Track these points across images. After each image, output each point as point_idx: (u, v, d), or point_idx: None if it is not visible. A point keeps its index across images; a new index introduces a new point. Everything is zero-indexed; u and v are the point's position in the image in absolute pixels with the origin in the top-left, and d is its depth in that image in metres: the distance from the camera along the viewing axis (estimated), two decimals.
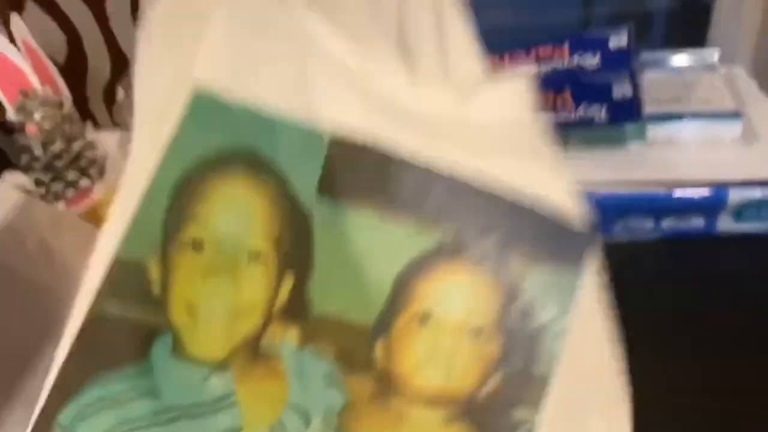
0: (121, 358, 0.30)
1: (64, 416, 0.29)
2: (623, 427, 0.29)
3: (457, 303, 0.30)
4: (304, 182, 0.32)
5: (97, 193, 0.56)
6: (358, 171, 0.32)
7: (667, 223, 0.52)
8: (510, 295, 0.30)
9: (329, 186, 0.32)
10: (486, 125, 0.32)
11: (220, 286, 0.31)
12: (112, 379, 0.30)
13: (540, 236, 0.30)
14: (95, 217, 0.53)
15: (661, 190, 0.50)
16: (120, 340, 0.31)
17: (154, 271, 0.31)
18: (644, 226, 0.52)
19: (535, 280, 0.30)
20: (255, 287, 0.31)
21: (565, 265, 0.30)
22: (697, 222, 0.51)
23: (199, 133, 0.32)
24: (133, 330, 0.31)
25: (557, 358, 0.28)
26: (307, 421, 0.30)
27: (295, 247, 0.31)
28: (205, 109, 0.32)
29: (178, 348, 0.30)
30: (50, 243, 0.45)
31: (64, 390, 0.30)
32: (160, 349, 0.30)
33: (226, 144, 0.32)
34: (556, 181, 0.31)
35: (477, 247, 0.30)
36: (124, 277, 0.31)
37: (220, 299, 0.31)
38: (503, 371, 0.29)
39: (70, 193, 0.55)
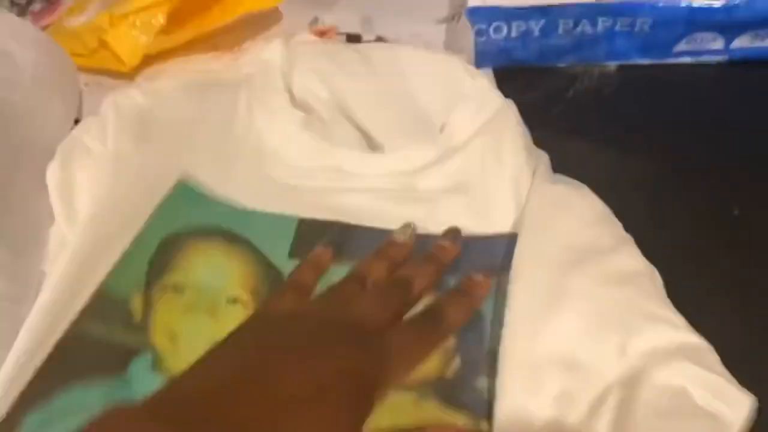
0: (97, 370, 0.32)
1: (31, 420, 0.30)
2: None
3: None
4: (276, 251, 0.38)
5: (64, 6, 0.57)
6: (321, 240, 0.38)
7: (740, 43, 0.49)
8: None
9: (299, 251, 0.38)
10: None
11: (200, 321, 0.35)
12: (85, 388, 0.31)
13: (473, 256, 0.37)
14: (60, 31, 0.55)
15: None
16: (98, 354, 0.33)
17: (136, 304, 0.35)
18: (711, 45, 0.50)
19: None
20: (233, 324, 0.32)
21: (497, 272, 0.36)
22: None
23: (182, 210, 0.39)
24: (112, 348, 0.33)
25: (499, 333, 0.33)
26: None
27: (271, 293, 0.36)
28: (187, 193, 0.40)
29: (158, 366, 0.33)
30: (11, 53, 0.45)
31: (33, 393, 0.31)
32: (139, 367, 0.33)
33: (206, 222, 0.39)
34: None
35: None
36: (107, 305, 0.34)
37: (200, 331, 0.34)
38: (460, 355, 0.34)
39: (38, 6, 0.56)
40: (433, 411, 0.32)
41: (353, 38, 0.52)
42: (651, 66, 0.50)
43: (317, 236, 0.39)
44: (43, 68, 0.47)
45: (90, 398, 0.31)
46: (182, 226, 0.39)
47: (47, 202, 0.41)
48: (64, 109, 0.48)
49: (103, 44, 0.55)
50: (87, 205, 0.39)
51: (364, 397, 0.27)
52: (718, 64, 0.51)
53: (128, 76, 0.56)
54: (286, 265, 0.38)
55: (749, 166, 0.41)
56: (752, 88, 0.49)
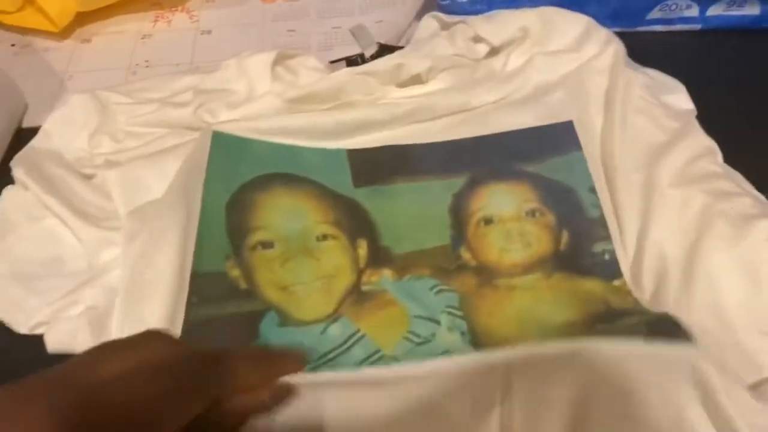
0: (233, 344, 0.32)
1: None
2: None
3: (505, 202, 0.37)
4: (339, 183, 0.38)
5: None
6: (379, 164, 0.39)
7: (715, 10, 0.47)
8: (538, 181, 0.38)
9: (360, 180, 0.38)
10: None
11: (302, 266, 0.35)
12: None
13: (536, 145, 0.39)
14: None
15: None
16: (224, 334, 0.32)
17: (234, 273, 0.34)
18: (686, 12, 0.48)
19: (546, 166, 0.38)
20: (334, 257, 0.35)
21: (563, 151, 0.38)
22: (752, 9, 0.46)
23: (229, 164, 0.38)
24: (232, 321, 0.33)
25: (597, 199, 0.36)
26: (435, 322, 0.33)
27: (355, 222, 0.37)
28: (227, 146, 0.38)
29: (284, 320, 0.33)
30: None
31: None
32: (267, 327, 0.33)
33: (260, 172, 0.38)
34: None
35: (494, 171, 0.38)
36: (206, 286, 0.34)
37: (306, 274, 0.34)
38: (567, 228, 0.36)
39: None
40: (563, 282, 0.34)
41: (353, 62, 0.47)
42: (622, 34, 0.47)
43: (372, 162, 0.39)
44: None
45: None
46: (239, 184, 0.37)
47: None
48: None
49: (30, 0, 0.50)
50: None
51: None
52: (692, 33, 0.48)
53: (60, 36, 0.52)
54: (356, 194, 0.38)
55: (721, 137, 0.39)
56: (727, 58, 0.47)
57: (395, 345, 0.32)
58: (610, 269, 0.34)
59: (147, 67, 0.49)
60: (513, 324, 0.32)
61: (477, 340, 0.32)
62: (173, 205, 0.36)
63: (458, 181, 0.38)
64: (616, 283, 0.33)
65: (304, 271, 0.35)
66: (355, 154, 0.40)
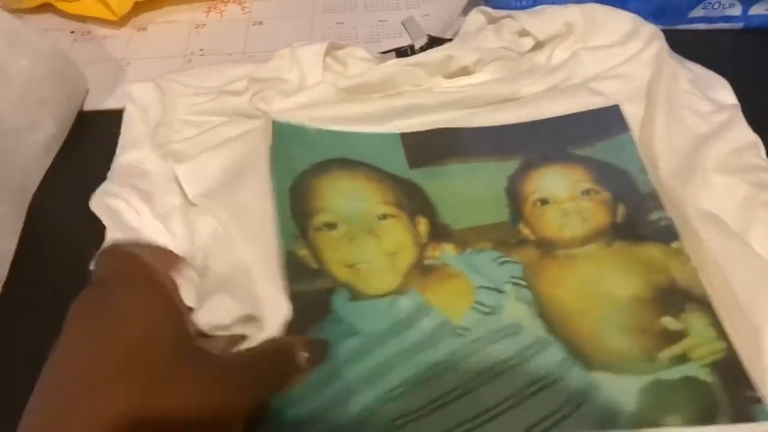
0: (307, 320, 0.33)
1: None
2: None
3: (559, 184, 0.38)
4: (394, 165, 0.39)
5: None
6: (433, 146, 0.40)
7: (758, 9, 0.48)
8: (590, 164, 0.39)
9: (415, 161, 0.40)
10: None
11: (365, 244, 0.36)
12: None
13: (585, 129, 0.40)
14: None
15: None
16: (300, 308, 0.33)
17: (304, 254, 0.36)
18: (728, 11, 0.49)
19: (598, 148, 0.39)
20: (396, 234, 0.36)
21: (611, 134, 0.40)
22: None
23: (289, 151, 0.39)
24: (308, 297, 0.34)
25: (647, 178, 0.38)
26: (500, 292, 0.34)
27: (413, 201, 0.38)
28: (285, 133, 0.40)
29: (354, 295, 0.34)
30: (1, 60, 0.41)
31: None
32: (339, 302, 0.34)
33: (317, 157, 0.39)
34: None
35: (547, 155, 0.40)
36: (286, 263, 0.35)
37: (371, 252, 0.36)
38: (622, 203, 0.37)
39: None
40: (623, 249, 0.35)
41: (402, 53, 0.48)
42: (664, 31, 0.48)
43: (426, 144, 0.40)
44: (37, 80, 0.42)
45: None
46: (299, 170, 0.39)
47: (15, 224, 0.40)
48: (55, 128, 0.43)
49: None
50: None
51: None
52: (734, 31, 0.49)
53: (118, 24, 0.54)
54: (413, 175, 0.39)
55: (764, 134, 0.40)
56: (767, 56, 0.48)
57: (463, 315, 0.33)
58: (668, 233, 0.35)
59: (201, 55, 0.51)
60: (578, 295, 0.33)
61: (543, 311, 0.33)
62: (245, 190, 0.37)
63: (512, 164, 0.39)
64: (674, 245, 0.34)
65: (368, 249, 0.36)
66: (408, 137, 0.41)
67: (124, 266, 0.27)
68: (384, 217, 0.37)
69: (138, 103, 0.43)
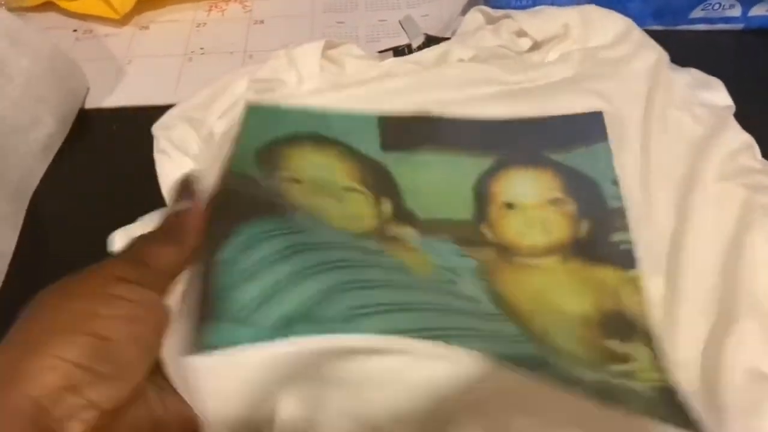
0: (266, 210, 0.32)
1: (225, 253, 0.29)
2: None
3: (528, 189, 0.37)
4: (367, 146, 0.38)
5: None
6: (410, 132, 0.39)
7: (758, 10, 0.47)
8: (561, 172, 0.38)
9: (389, 145, 0.39)
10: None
11: (328, 203, 0.35)
12: (265, 219, 0.31)
13: (565, 133, 0.39)
14: None
15: None
16: (260, 199, 0.33)
17: (264, 184, 0.35)
18: (728, 12, 0.49)
19: (572, 156, 0.38)
20: (358, 205, 0.36)
21: (589, 141, 0.39)
22: None
23: (262, 127, 0.38)
24: (270, 197, 0.33)
25: (618, 191, 0.36)
26: (456, 275, 0.33)
27: (380, 182, 0.37)
28: (260, 113, 0.39)
29: (316, 220, 0.33)
30: (2, 59, 0.41)
31: (218, 234, 0.30)
32: (304, 217, 0.33)
33: (290, 131, 0.38)
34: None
35: (521, 156, 0.39)
36: (239, 184, 0.34)
37: (332, 209, 0.35)
38: (587, 218, 0.36)
39: None
40: (578, 267, 0.34)
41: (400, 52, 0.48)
42: (664, 32, 0.48)
43: (403, 129, 0.40)
44: (37, 79, 0.42)
45: (273, 226, 0.31)
46: (270, 139, 0.38)
47: (15, 222, 0.40)
48: (55, 127, 0.44)
49: None
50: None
51: None
52: (734, 32, 0.49)
53: (120, 23, 0.54)
54: (384, 158, 0.38)
55: (761, 135, 0.40)
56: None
57: (423, 273, 0.32)
58: (626, 259, 0.34)
59: (202, 54, 0.51)
60: (531, 299, 0.33)
61: (498, 301, 0.33)
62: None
63: (487, 161, 0.39)
64: (631, 273, 0.34)
65: (331, 206, 0.35)
66: (385, 120, 0.40)
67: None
68: (350, 189, 0.37)
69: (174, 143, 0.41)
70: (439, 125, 0.40)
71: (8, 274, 0.38)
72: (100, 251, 0.39)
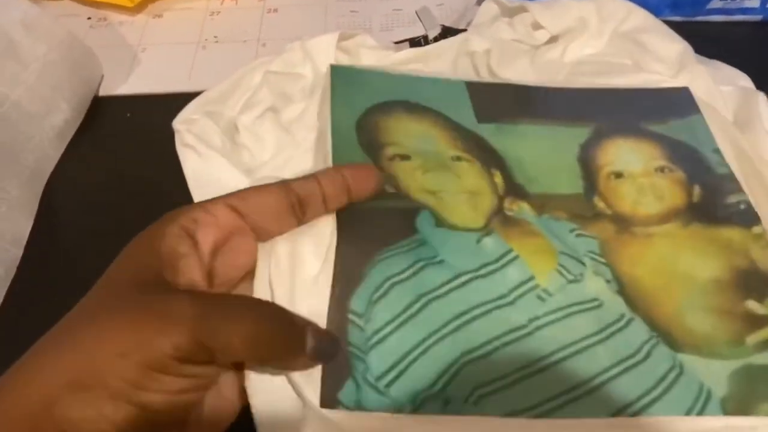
0: (392, 235, 0.31)
1: (356, 304, 0.29)
2: None
3: (633, 158, 0.37)
4: (461, 115, 0.38)
5: None
6: (501, 101, 0.39)
7: None
8: (663, 141, 0.38)
9: (484, 115, 0.38)
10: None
11: (443, 176, 0.34)
12: (392, 257, 0.31)
13: (657, 105, 0.39)
14: None
15: None
16: (382, 223, 0.32)
17: None
18: (747, 3, 0.48)
19: (669, 127, 0.38)
20: (471, 176, 0.35)
21: (684, 113, 0.39)
22: None
23: (351, 92, 0.38)
24: (389, 213, 0.32)
25: (722, 159, 0.37)
26: (580, 262, 0.32)
27: (485, 154, 0.36)
28: (346, 76, 0.39)
29: (439, 221, 0.32)
30: (18, 45, 0.41)
31: (346, 279, 0.29)
32: (424, 223, 0.32)
33: (379, 98, 0.38)
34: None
35: (618, 126, 0.38)
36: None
37: (450, 184, 0.34)
38: (698, 183, 0.36)
39: None
40: (701, 231, 0.34)
41: (416, 43, 0.48)
42: (682, 23, 0.48)
43: (494, 99, 0.39)
44: (52, 65, 0.42)
45: (401, 266, 0.30)
46: (364, 108, 0.37)
47: (30, 208, 0.40)
48: (69, 114, 0.44)
49: None
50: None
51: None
52: (752, 24, 0.49)
53: (133, 11, 0.54)
54: (480, 129, 0.37)
55: None
56: None
57: (548, 275, 0.31)
58: (748, 217, 0.34)
59: (216, 42, 0.51)
60: (658, 273, 0.32)
61: (623, 289, 0.31)
62: (301, 131, 0.38)
63: (584, 131, 0.38)
64: (756, 230, 0.33)
65: (447, 181, 0.34)
66: (475, 88, 0.39)
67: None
68: (458, 159, 0.35)
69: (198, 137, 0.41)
70: (529, 95, 0.40)
71: (23, 259, 0.38)
72: (113, 238, 0.39)
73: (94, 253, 0.39)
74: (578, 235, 0.33)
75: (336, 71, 0.39)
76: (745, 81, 0.42)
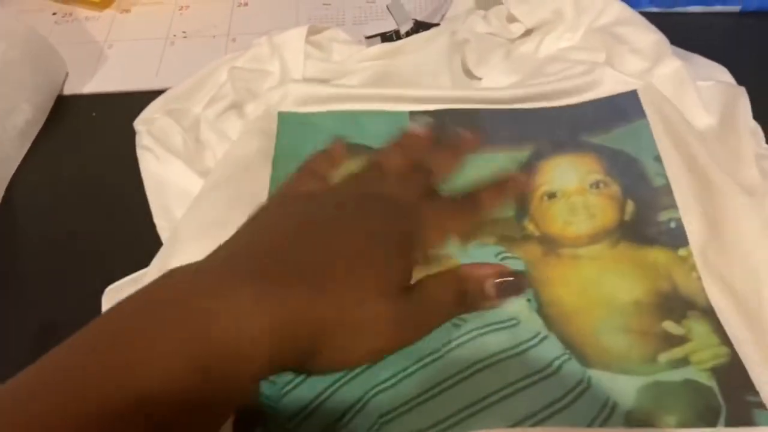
0: None
1: None
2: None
3: (569, 176, 0.37)
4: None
5: None
6: (442, 129, 0.39)
7: None
8: (603, 153, 0.38)
9: None
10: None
11: None
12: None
13: (604, 115, 0.39)
14: None
15: None
16: None
17: None
18: None
19: (612, 136, 0.38)
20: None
21: (629, 119, 0.39)
22: None
23: (296, 141, 0.39)
24: None
25: (662, 168, 0.36)
26: None
27: None
28: (291, 123, 0.40)
29: None
30: None
31: None
32: None
33: (323, 141, 0.36)
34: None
35: (558, 144, 0.38)
36: None
37: None
38: (632, 198, 0.36)
39: None
40: (628, 251, 0.34)
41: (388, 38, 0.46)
42: (660, 14, 0.47)
43: (436, 127, 0.39)
44: (12, 64, 0.41)
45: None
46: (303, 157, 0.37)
47: None
48: (32, 113, 0.43)
49: None
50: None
51: (405, 255, 0.27)
52: (731, 14, 0.48)
53: (100, 6, 0.53)
54: None
55: (762, 119, 0.39)
56: (766, 40, 0.46)
57: None
58: (676, 238, 0.34)
59: (185, 38, 0.50)
60: (579, 294, 0.32)
61: (542, 309, 0.32)
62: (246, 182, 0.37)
63: (523, 154, 0.38)
64: (681, 252, 0.33)
65: None
66: (417, 117, 0.39)
67: None
68: None
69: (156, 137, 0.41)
70: (472, 118, 0.39)
71: None
72: (77, 238, 0.38)
73: (56, 254, 0.38)
74: (503, 258, 0.34)
75: (282, 119, 0.40)
76: (724, 75, 0.41)
